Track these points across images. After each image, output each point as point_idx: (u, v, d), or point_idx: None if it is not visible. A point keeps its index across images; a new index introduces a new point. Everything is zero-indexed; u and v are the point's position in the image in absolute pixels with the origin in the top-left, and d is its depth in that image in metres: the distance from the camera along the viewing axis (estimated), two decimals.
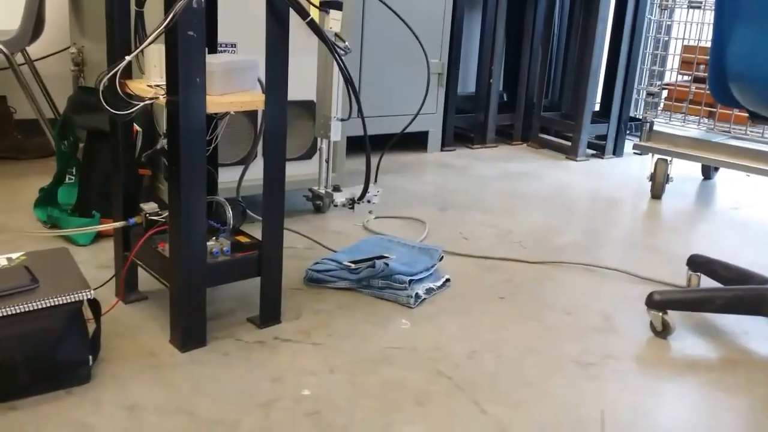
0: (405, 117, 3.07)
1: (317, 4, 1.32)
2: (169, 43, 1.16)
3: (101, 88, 1.18)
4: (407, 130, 3.11)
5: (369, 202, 2.04)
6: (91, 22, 2.41)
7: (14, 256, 1.24)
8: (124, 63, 1.19)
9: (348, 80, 1.35)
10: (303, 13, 1.23)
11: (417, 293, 1.60)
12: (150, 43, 1.17)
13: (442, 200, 2.50)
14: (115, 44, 1.35)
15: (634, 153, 3.53)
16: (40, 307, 1.10)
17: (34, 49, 2.63)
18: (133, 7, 1.38)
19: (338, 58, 1.30)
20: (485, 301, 1.65)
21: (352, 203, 2.01)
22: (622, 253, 2.05)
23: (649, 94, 2.66)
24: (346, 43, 1.54)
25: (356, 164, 2.73)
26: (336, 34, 1.50)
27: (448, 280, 1.72)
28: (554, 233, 2.20)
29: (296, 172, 2.11)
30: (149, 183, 1.95)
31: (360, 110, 1.40)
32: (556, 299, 1.69)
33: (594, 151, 3.44)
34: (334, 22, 1.24)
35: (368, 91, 2.94)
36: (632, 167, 3.25)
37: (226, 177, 1.82)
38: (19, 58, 2.47)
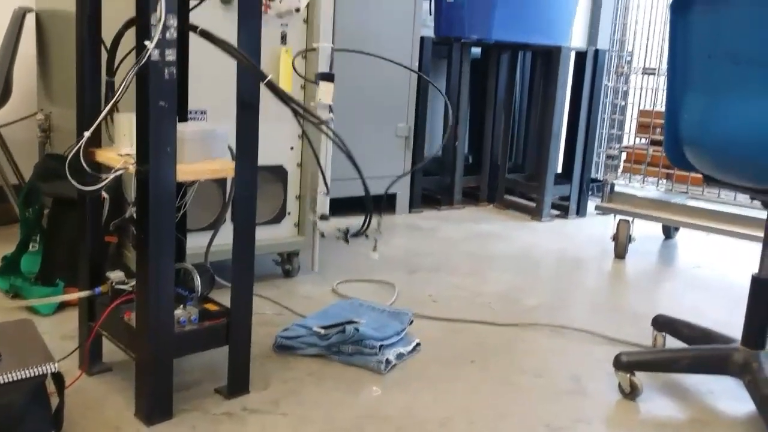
0: (375, 179, 3.11)
1: (312, 79, 1.35)
2: (140, 112, 1.17)
3: (67, 162, 1.18)
4: (374, 193, 3.17)
5: (367, 236, 1.92)
6: (59, 89, 2.42)
7: None
8: (83, 140, 1.20)
9: (348, 155, 1.36)
10: (261, 76, 1.23)
11: (387, 358, 1.59)
12: (107, 113, 1.18)
13: (411, 262, 2.51)
14: (85, 112, 1.36)
15: (597, 213, 3.61)
16: (2, 381, 1.07)
17: (0, 115, 2.62)
18: (103, 76, 1.39)
19: (300, 122, 1.33)
20: (456, 365, 1.65)
21: (345, 236, 1.95)
22: (589, 314, 2.07)
23: (608, 156, 2.75)
24: (331, 115, 1.55)
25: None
26: (329, 106, 1.52)
27: (418, 344, 1.72)
28: (523, 294, 2.22)
29: (265, 236, 2.11)
30: (115, 251, 1.93)
31: (357, 169, 1.40)
32: (526, 362, 1.69)
33: (558, 212, 3.52)
34: (324, 93, 1.28)
35: (337, 152, 2.98)
36: (595, 227, 3.32)
37: (194, 242, 1.81)
38: None
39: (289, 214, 2.16)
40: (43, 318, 1.74)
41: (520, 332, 1.89)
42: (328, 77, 1.32)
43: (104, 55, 1.40)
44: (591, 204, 3.60)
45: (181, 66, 1.35)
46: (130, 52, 1.24)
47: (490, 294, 2.20)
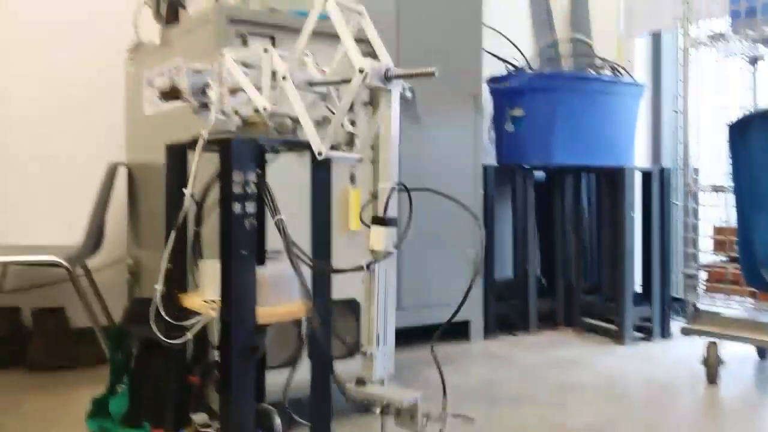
0: (443, 306, 3.11)
1: (368, 223, 1.34)
2: (223, 260, 1.25)
3: (153, 323, 1.26)
4: (444, 320, 3.15)
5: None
6: (148, 236, 2.59)
7: None
8: (159, 291, 1.27)
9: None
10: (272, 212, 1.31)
11: None
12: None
13: (489, 393, 2.44)
14: (174, 260, 1.45)
15: (683, 334, 3.45)
16: None
17: (93, 260, 2.80)
18: (191, 227, 1.50)
19: (296, 266, 1.28)
20: None
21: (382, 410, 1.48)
22: None
23: (687, 276, 2.67)
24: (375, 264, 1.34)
25: (398, 357, 2.72)
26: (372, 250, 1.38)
27: None
28: (612, 427, 2.11)
29: (339, 370, 2.11)
30: (198, 392, 1.97)
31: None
32: None
33: (641, 334, 3.38)
34: (375, 238, 1.29)
35: (405, 280, 3.01)
36: (682, 349, 3.16)
37: (271, 379, 1.84)
38: (78, 269, 2.63)
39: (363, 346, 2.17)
40: None
41: None
42: (382, 221, 1.30)
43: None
44: (675, 324, 3.46)
45: (259, 212, 1.44)
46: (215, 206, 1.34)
47: (578, 428, 2.11)
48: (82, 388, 2.40)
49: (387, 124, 1.29)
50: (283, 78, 1.27)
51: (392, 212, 1.30)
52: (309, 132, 1.25)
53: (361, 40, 1.30)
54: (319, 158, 1.25)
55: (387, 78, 1.27)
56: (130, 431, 1.86)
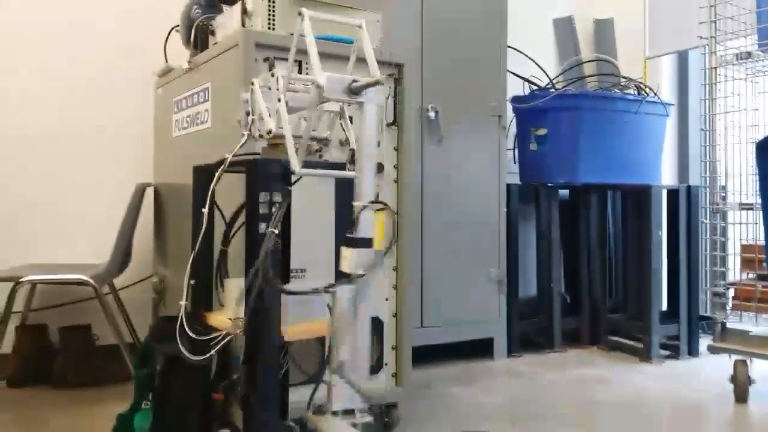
0: (468, 324, 3.11)
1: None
2: (248, 281, 1.26)
3: (178, 331, 1.26)
4: (471, 338, 3.14)
5: None
6: (173, 254, 2.62)
7: None
8: (183, 308, 1.25)
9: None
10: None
11: None
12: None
13: (514, 412, 2.42)
14: (198, 278, 1.47)
15: (710, 353, 3.39)
16: None
17: (119, 278, 2.84)
18: (218, 246, 1.52)
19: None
20: None
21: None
22: None
23: (715, 294, 2.63)
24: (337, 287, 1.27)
25: (421, 374, 2.71)
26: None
27: None
28: None
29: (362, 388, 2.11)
30: (222, 408, 1.99)
31: None
32: None
33: (668, 352, 3.33)
34: (343, 259, 1.18)
35: (428, 298, 3.01)
36: (710, 367, 3.11)
37: (293, 396, 1.84)
38: (105, 287, 2.66)
39: (386, 365, 2.17)
40: None
41: None
42: (351, 242, 1.20)
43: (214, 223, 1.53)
44: (702, 342, 3.40)
45: (284, 232, 1.45)
46: (241, 226, 1.36)
47: None
48: (108, 405, 2.43)
49: (360, 139, 1.24)
50: (278, 100, 1.27)
51: (365, 233, 1.22)
52: (289, 150, 1.22)
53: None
54: (294, 176, 1.22)
55: (352, 91, 1.22)
56: None
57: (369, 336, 1.27)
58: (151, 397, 2.07)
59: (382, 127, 1.33)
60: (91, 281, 2.48)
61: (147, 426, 1.98)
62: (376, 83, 1.21)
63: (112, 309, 2.69)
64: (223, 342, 1.30)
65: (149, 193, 2.83)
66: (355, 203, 1.23)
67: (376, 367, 2.18)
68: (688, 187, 3.37)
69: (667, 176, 3.98)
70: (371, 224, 1.22)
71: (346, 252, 1.23)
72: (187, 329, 1.30)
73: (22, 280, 2.47)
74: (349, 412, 1.26)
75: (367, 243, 1.22)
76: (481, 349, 3.22)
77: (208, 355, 1.29)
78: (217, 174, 1.35)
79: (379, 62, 1.30)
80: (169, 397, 1.97)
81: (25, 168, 2.92)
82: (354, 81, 1.22)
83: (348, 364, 1.22)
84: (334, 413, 1.25)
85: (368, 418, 1.26)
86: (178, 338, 1.27)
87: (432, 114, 3.00)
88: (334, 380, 1.25)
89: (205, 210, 1.38)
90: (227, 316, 1.38)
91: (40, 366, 2.75)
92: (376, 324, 2.17)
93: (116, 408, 2.14)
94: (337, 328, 1.23)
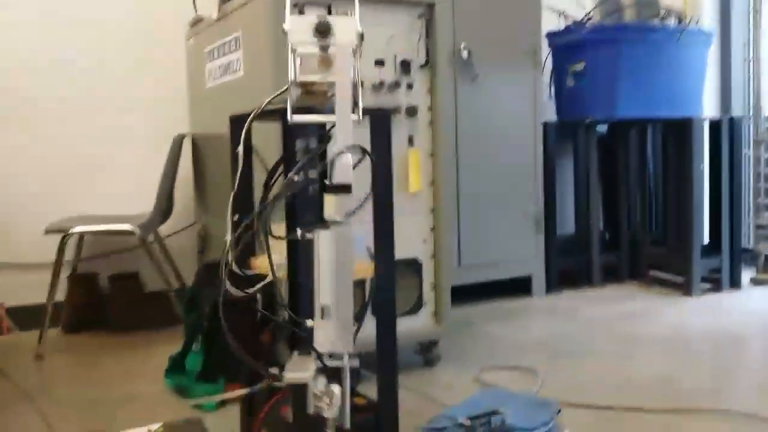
0: (506, 263, 3.12)
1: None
2: (288, 226, 1.29)
3: (223, 272, 1.28)
4: (509, 276, 3.17)
5: None
6: (213, 202, 2.68)
7: (154, 427, 1.34)
8: (227, 251, 1.27)
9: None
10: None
11: None
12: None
13: (553, 347, 2.45)
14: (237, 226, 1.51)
15: (752, 285, 3.36)
16: None
17: (163, 227, 2.92)
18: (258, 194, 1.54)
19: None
20: None
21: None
22: (758, 396, 1.92)
23: (758, 226, 2.59)
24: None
25: (460, 313, 2.75)
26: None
27: None
28: (678, 377, 2.10)
29: (404, 327, 2.16)
30: (269, 349, 2.06)
31: None
32: None
33: (710, 285, 3.30)
34: (329, 204, 1.17)
35: (465, 238, 3.03)
36: (753, 300, 3.09)
37: None
38: (150, 236, 2.74)
39: (425, 304, 2.21)
40: (208, 414, 1.87)
41: (679, 419, 1.78)
42: (329, 188, 1.15)
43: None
44: (745, 275, 3.37)
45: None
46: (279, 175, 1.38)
47: (642, 379, 2.10)
48: (159, 348, 2.53)
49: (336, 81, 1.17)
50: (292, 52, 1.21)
51: (344, 178, 1.15)
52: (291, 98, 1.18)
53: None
54: (290, 123, 1.19)
55: (319, 32, 1.14)
56: (205, 387, 1.96)
57: (351, 283, 1.25)
58: (200, 339, 2.16)
59: (357, 69, 1.22)
60: (137, 230, 2.55)
61: (198, 367, 2.08)
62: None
63: (158, 257, 2.77)
64: (263, 283, 1.33)
65: (187, 144, 2.87)
66: (331, 149, 1.18)
67: (416, 307, 2.22)
68: (731, 119, 3.27)
69: (708, 108, 3.87)
70: (349, 170, 1.17)
71: (327, 199, 1.20)
72: (233, 267, 1.33)
73: (70, 231, 2.56)
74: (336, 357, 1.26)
75: (345, 189, 1.18)
76: (520, 287, 3.25)
77: (253, 290, 1.33)
78: (250, 116, 1.34)
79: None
80: (217, 340, 2.05)
81: (68, 125, 2.98)
82: (321, 22, 1.14)
83: (333, 309, 1.23)
84: (318, 355, 1.24)
85: (355, 362, 1.26)
86: (224, 280, 1.30)
87: (465, 53, 2.95)
88: (312, 324, 1.23)
89: (240, 150, 1.37)
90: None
91: (92, 313, 2.87)
92: (415, 265, 2.20)
93: (167, 351, 2.24)
94: (318, 273, 1.22)
